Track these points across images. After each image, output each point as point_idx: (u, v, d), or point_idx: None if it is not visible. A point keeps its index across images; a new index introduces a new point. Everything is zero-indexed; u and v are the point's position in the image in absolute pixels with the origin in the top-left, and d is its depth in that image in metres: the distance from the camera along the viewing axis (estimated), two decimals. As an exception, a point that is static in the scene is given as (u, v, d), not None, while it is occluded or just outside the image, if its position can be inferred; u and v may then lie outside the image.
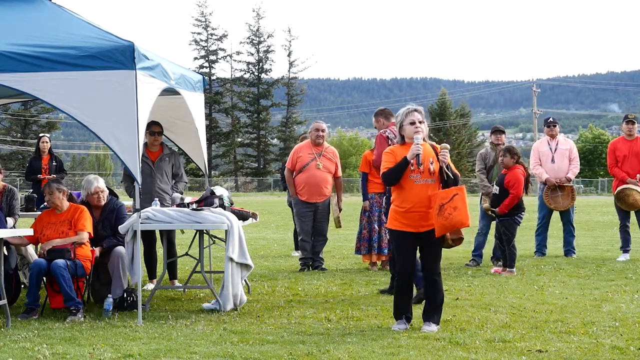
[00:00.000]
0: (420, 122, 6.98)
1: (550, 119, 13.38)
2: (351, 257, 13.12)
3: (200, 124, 9.66)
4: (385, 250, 11.39)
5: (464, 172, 76.15)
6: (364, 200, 11.62)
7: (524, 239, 15.54)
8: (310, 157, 11.71)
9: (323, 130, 11.75)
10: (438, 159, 7.01)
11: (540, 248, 13.20)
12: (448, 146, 7.03)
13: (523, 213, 11.11)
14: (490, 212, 11.30)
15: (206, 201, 8.56)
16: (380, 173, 7.11)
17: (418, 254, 7.23)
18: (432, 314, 7.06)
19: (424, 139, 7.04)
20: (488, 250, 12.41)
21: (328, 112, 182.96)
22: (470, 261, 12.08)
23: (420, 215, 6.93)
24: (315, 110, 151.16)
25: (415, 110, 7.04)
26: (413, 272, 7.12)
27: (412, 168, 6.90)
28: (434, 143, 7.17)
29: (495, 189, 11.10)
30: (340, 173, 12.03)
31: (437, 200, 6.84)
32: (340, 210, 11.92)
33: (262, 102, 76.37)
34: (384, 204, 9.42)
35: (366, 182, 11.53)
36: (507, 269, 10.92)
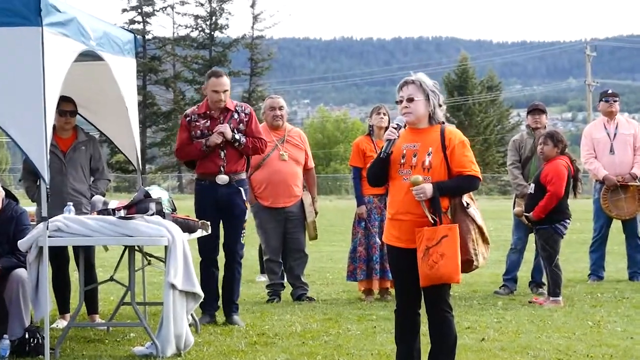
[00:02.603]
0: (410, 100, 6.85)
1: (610, 91, 13.45)
2: (338, 283, 13.14)
3: (131, 100, 9.66)
4: (390, 274, 11.33)
5: (493, 166, 76.42)
6: (358, 205, 11.57)
7: (574, 257, 15.62)
8: (270, 145, 11.32)
9: (281, 108, 11.59)
10: (445, 151, 6.85)
11: (596, 269, 13.26)
12: (420, 178, 6.66)
13: (568, 220, 11.05)
14: (524, 219, 11.28)
15: (138, 206, 8.57)
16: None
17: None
18: (442, 360, 7.06)
19: (432, 120, 6.92)
20: (525, 272, 12.45)
21: (306, 84, 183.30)
22: (500, 287, 12.10)
23: (407, 224, 6.79)
24: (289, 82, 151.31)
25: (407, 82, 6.92)
26: (414, 305, 7.03)
27: (402, 161, 6.81)
28: (448, 127, 6.98)
29: (531, 188, 11.09)
30: (311, 164, 11.91)
31: (422, 239, 6.74)
32: (315, 213, 11.79)
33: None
34: None
35: (360, 180, 11.45)
36: (551, 298, 10.97)
